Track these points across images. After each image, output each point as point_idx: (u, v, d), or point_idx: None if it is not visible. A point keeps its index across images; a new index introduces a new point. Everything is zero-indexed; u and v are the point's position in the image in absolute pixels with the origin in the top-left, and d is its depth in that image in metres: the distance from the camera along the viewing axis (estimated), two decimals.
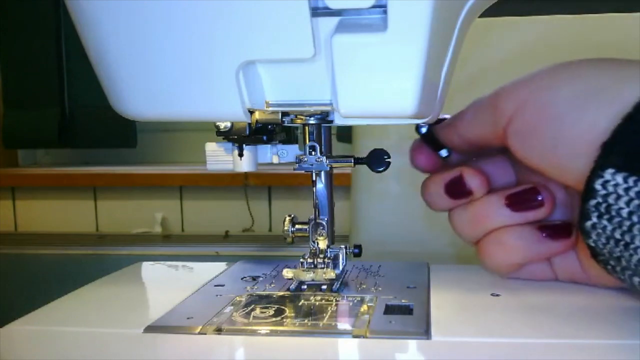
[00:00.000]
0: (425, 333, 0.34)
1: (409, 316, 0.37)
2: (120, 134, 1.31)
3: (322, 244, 0.41)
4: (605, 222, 0.27)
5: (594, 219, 0.27)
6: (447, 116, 0.36)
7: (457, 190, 0.34)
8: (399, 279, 0.44)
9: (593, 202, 0.27)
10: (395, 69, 0.28)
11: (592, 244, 0.28)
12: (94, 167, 1.35)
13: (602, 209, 0.27)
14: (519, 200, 0.32)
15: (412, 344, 0.33)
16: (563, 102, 0.28)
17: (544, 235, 0.32)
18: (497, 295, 0.40)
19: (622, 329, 0.34)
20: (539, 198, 0.32)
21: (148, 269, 0.53)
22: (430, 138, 0.37)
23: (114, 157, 1.42)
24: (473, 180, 0.33)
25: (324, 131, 0.41)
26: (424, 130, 0.37)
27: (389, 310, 0.38)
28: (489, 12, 0.34)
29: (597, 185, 0.27)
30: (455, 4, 0.30)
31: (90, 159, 1.44)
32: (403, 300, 0.39)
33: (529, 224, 0.33)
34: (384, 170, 0.40)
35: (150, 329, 0.36)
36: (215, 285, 0.44)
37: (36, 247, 1.10)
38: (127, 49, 0.30)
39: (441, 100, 0.34)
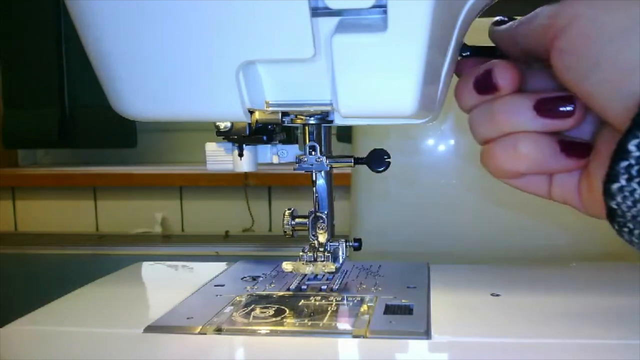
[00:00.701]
0: (425, 333, 0.34)
1: (409, 316, 0.37)
2: (120, 134, 1.31)
3: (322, 237, 0.41)
4: (635, 186, 0.26)
5: (623, 182, 0.26)
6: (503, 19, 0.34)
7: (484, 84, 0.32)
8: (399, 279, 0.44)
9: (624, 163, 0.26)
10: (395, 69, 0.28)
11: (614, 206, 0.27)
12: (94, 167, 1.35)
13: (634, 171, 0.26)
14: (549, 106, 0.30)
15: (412, 344, 0.33)
16: (612, 26, 0.27)
17: (560, 149, 0.31)
18: (497, 295, 0.40)
19: (622, 329, 0.34)
20: (570, 108, 0.30)
21: (148, 269, 0.53)
22: (481, 50, 0.36)
23: (114, 157, 1.42)
24: (502, 75, 0.31)
25: (324, 131, 0.41)
26: (465, 53, 0.35)
27: (389, 310, 0.38)
28: (489, 12, 0.34)
29: (631, 146, 0.25)
30: (455, 4, 0.30)
31: (90, 159, 1.44)
32: (403, 300, 0.39)
33: (548, 135, 0.31)
34: (384, 170, 0.40)
35: (150, 329, 0.36)
36: (215, 285, 0.44)
37: (36, 247, 1.10)
38: (127, 49, 0.30)
39: (441, 100, 0.34)
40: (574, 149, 0.31)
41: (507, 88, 0.32)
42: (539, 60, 0.32)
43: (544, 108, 0.30)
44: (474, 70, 0.33)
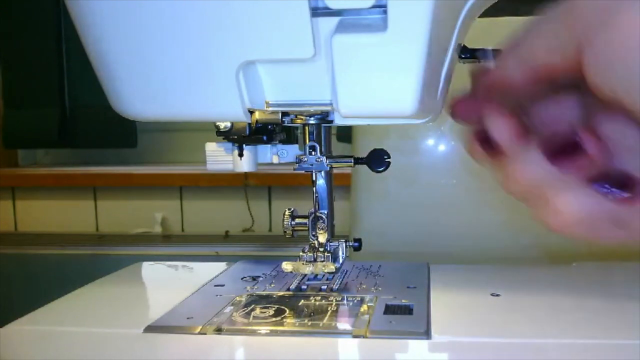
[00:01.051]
0: (425, 333, 0.34)
1: (409, 316, 0.37)
2: (120, 134, 1.31)
3: (322, 237, 0.41)
4: None
5: None
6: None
7: (488, 145, 0.28)
8: (399, 279, 0.44)
9: None
10: (395, 69, 0.28)
11: None
12: (94, 167, 1.35)
13: None
14: (558, 151, 0.26)
15: (412, 344, 0.33)
16: None
17: (600, 191, 0.26)
18: (497, 295, 0.40)
19: (622, 329, 0.34)
20: (584, 146, 0.25)
21: (148, 269, 0.53)
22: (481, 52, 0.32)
23: (114, 157, 1.41)
24: (497, 129, 0.27)
25: (324, 131, 0.41)
26: (465, 55, 0.32)
27: (389, 310, 0.38)
28: (489, 12, 0.34)
29: None
30: (455, 4, 0.30)
31: (90, 159, 1.44)
32: (403, 300, 0.39)
33: (580, 177, 0.27)
34: (384, 170, 0.40)
35: (150, 329, 0.36)
36: (215, 285, 0.44)
37: (36, 247, 1.09)
38: (126, 49, 0.30)
39: (441, 100, 0.34)
40: (614, 186, 0.26)
41: (507, 144, 0.28)
42: (551, 85, 0.28)
43: (554, 154, 0.26)
44: (474, 130, 0.29)
